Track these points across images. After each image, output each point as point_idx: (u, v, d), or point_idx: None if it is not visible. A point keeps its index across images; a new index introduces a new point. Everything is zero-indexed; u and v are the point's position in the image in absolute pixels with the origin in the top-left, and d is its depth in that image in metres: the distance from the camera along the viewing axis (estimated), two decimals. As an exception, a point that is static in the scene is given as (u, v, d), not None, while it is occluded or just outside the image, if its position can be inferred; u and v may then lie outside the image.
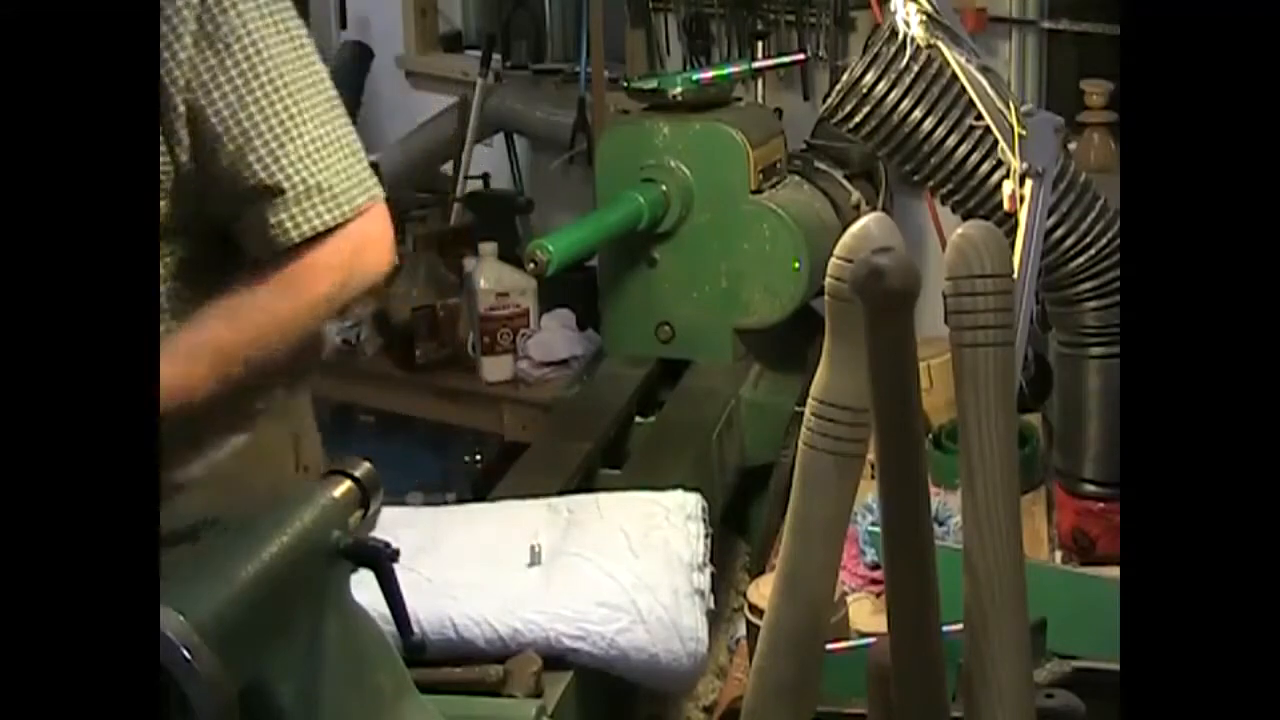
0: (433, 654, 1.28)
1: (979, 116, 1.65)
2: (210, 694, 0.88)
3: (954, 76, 1.65)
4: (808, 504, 1.08)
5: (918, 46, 1.66)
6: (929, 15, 1.63)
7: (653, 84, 2.46)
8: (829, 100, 1.77)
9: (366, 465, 1.12)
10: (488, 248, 3.15)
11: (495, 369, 3.12)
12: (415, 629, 1.13)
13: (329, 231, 1.43)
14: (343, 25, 4.11)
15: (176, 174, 1.41)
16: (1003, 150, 1.62)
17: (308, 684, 1.01)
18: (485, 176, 3.76)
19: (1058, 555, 1.84)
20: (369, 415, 3.51)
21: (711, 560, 1.52)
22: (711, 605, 1.47)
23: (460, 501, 2.97)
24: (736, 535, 2.21)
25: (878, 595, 1.70)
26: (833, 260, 1.04)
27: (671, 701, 1.60)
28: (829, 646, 1.18)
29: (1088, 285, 1.74)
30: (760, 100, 3.03)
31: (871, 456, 0.98)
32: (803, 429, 1.08)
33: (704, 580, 1.47)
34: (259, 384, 1.47)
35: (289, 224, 1.42)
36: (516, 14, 3.88)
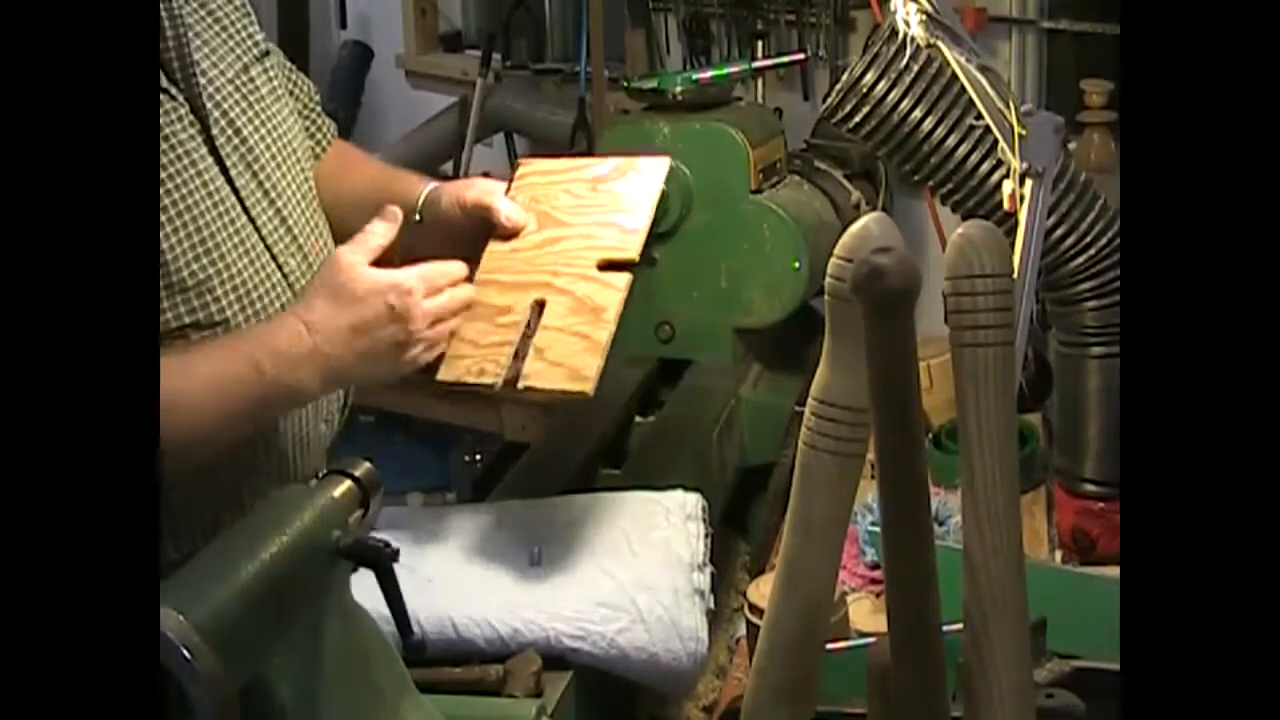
0: (433, 654, 1.28)
1: (979, 116, 1.65)
2: (210, 694, 0.88)
3: (954, 76, 1.65)
4: (808, 504, 1.08)
5: (918, 46, 1.66)
6: (929, 15, 1.64)
7: (653, 84, 2.45)
8: (829, 100, 1.77)
9: (366, 465, 1.12)
10: (488, 247, 3.15)
11: (495, 369, 3.12)
12: (415, 629, 1.13)
13: None
14: (343, 25, 4.11)
15: None
16: (1003, 150, 1.62)
17: (308, 684, 1.01)
18: (485, 176, 3.76)
19: (1058, 555, 1.84)
20: (369, 415, 3.51)
21: (711, 560, 1.52)
22: (711, 605, 1.47)
23: (460, 501, 2.96)
24: (736, 535, 2.21)
25: (878, 595, 1.70)
26: (833, 260, 1.04)
27: (671, 701, 1.60)
28: (829, 646, 1.18)
29: (1088, 285, 1.75)
30: (760, 100, 3.03)
31: (871, 456, 0.98)
32: (803, 429, 1.08)
33: (704, 580, 1.47)
34: None
35: None
36: (516, 14, 3.87)
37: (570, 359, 1.36)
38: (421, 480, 3.46)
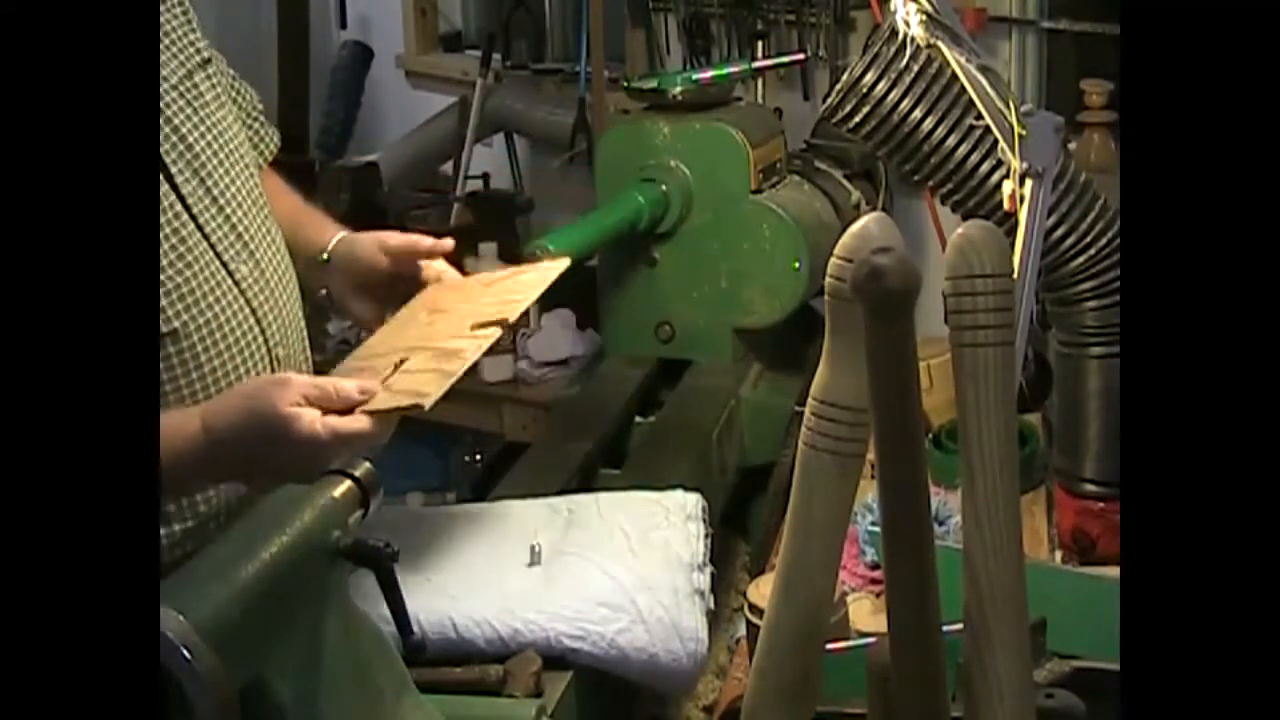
0: (433, 654, 1.28)
1: (979, 116, 1.65)
2: (210, 694, 0.88)
3: (954, 76, 1.65)
4: (808, 504, 1.08)
5: (918, 46, 1.66)
6: (929, 15, 1.64)
7: (653, 84, 2.45)
8: (829, 100, 1.77)
9: (366, 465, 1.12)
10: (488, 248, 3.15)
11: (495, 369, 3.12)
12: (415, 629, 1.13)
13: None
14: (343, 25, 4.11)
15: None
16: (1003, 150, 1.62)
17: (308, 684, 1.01)
18: (485, 176, 3.76)
19: (1058, 555, 1.84)
20: (369, 415, 3.50)
21: (711, 560, 1.52)
22: (711, 605, 1.47)
23: (460, 501, 2.97)
24: (736, 535, 2.21)
25: (878, 595, 1.70)
26: (833, 260, 1.04)
27: (671, 701, 1.60)
28: (829, 646, 1.18)
29: (1088, 285, 1.75)
30: (760, 100, 3.03)
31: (871, 456, 0.98)
32: (803, 429, 1.08)
33: (704, 580, 1.47)
34: None
35: None
36: (516, 14, 3.88)
37: (414, 385, 1.35)
38: (421, 480, 3.46)
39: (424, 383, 1.35)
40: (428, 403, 1.31)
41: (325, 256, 1.65)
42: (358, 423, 1.30)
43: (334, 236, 1.67)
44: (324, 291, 1.65)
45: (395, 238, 1.63)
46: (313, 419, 1.29)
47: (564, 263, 1.62)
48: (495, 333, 1.44)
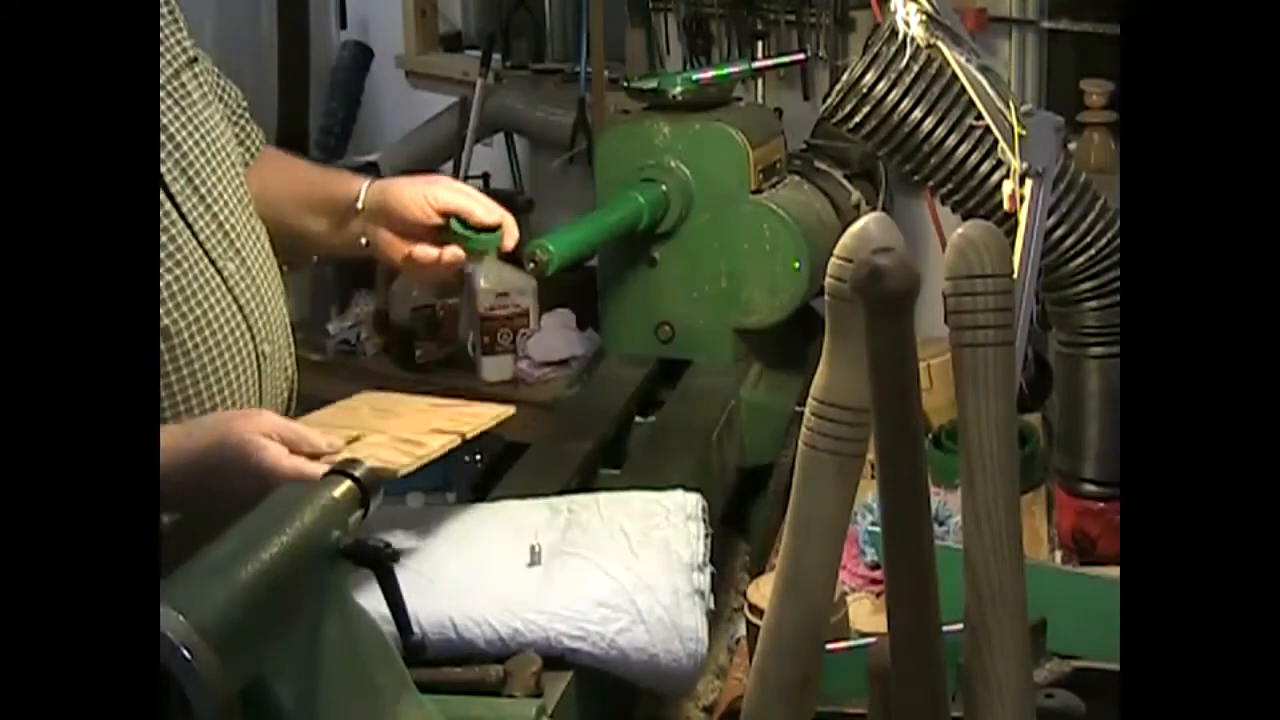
0: (433, 654, 1.28)
1: (979, 116, 1.65)
2: (210, 694, 0.88)
3: (954, 76, 1.65)
4: (808, 504, 1.08)
5: (918, 46, 1.66)
6: (929, 15, 1.64)
7: (653, 84, 2.45)
8: (829, 100, 1.77)
9: (366, 465, 1.12)
10: (488, 247, 3.15)
11: (495, 369, 3.12)
12: (415, 629, 1.13)
13: None
14: (343, 25, 4.11)
15: None
16: (1003, 150, 1.62)
17: (308, 684, 1.01)
18: (485, 176, 3.76)
19: (1058, 555, 1.84)
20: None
21: (711, 560, 1.52)
22: (711, 605, 1.47)
23: (460, 501, 2.96)
24: (736, 535, 2.21)
25: (878, 595, 1.70)
26: (833, 260, 1.04)
27: (671, 701, 1.60)
28: (829, 646, 1.18)
29: (1088, 285, 1.75)
30: (760, 100, 3.03)
31: (871, 456, 0.98)
32: (803, 429, 1.08)
33: (704, 580, 1.47)
34: None
35: None
36: (516, 14, 3.88)
37: (383, 457, 1.37)
38: (421, 480, 3.45)
39: (391, 457, 1.39)
40: (402, 470, 1.36)
41: (360, 205, 1.65)
42: (322, 470, 1.28)
43: (363, 184, 1.67)
44: (364, 242, 1.65)
45: (445, 194, 1.62)
46: (279, 452, 1.31)
47: (510, 410, 1.61)
48: (456, 440, 1.46)
